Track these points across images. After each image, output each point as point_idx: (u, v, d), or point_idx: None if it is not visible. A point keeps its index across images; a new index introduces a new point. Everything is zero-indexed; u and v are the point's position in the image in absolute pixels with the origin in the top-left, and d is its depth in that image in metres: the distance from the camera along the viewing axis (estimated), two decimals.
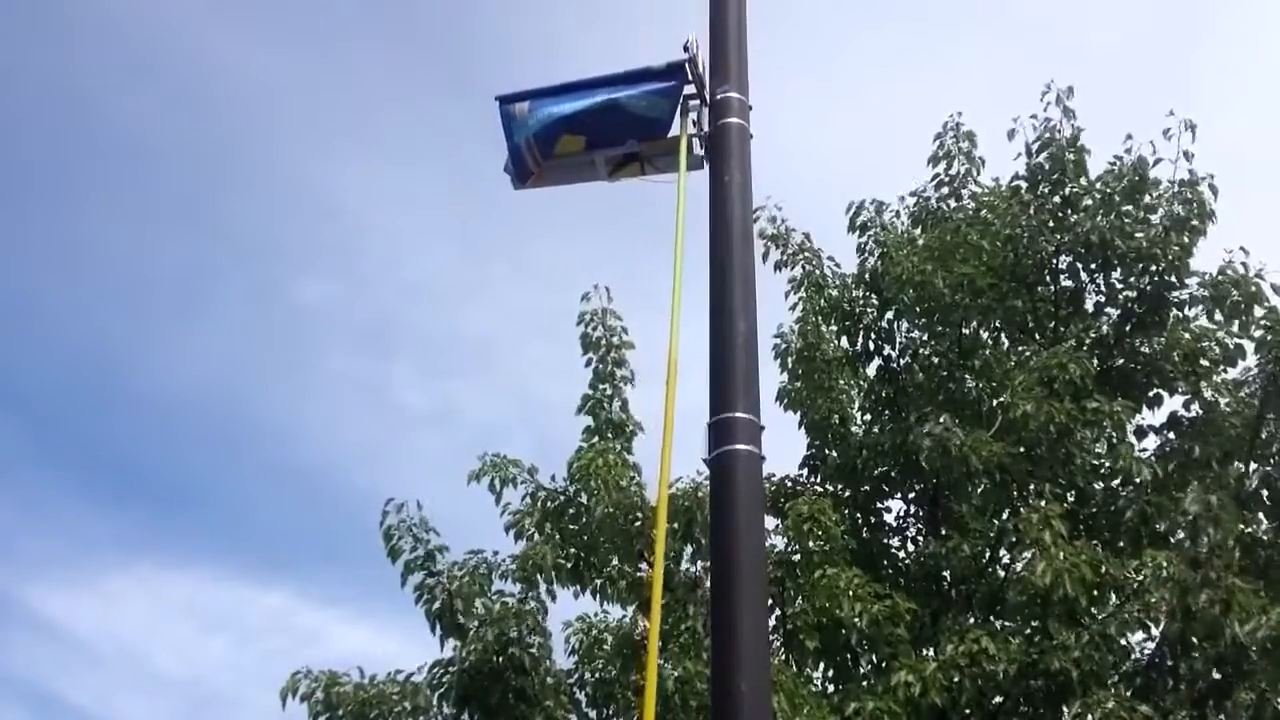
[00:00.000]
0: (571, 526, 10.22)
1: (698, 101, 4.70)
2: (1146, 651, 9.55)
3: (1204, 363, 10.74)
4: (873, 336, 11.62)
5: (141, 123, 31.32)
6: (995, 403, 10.70)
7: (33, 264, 31.63)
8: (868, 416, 11.47)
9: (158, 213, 32.13)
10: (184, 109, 31.09)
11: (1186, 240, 11.05)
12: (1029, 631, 9.13)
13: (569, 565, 10.12)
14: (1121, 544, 9.86)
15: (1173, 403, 10.94)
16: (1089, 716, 8.43)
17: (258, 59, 31.99)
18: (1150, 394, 10.98)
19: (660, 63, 4.73)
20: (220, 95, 31.65)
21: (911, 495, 11.14)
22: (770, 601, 9.13)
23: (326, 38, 31.73)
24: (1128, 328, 11.25)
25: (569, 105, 4.78)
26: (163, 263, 32.44)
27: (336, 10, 31.68)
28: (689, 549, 9.66)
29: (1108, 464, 10.30)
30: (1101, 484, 10.40)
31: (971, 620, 9.77)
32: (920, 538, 10.98)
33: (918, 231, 11.83)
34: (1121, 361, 11.18)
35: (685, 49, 4.72)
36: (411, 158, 33.20)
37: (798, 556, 9.56)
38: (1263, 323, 10.50)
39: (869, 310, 11.61)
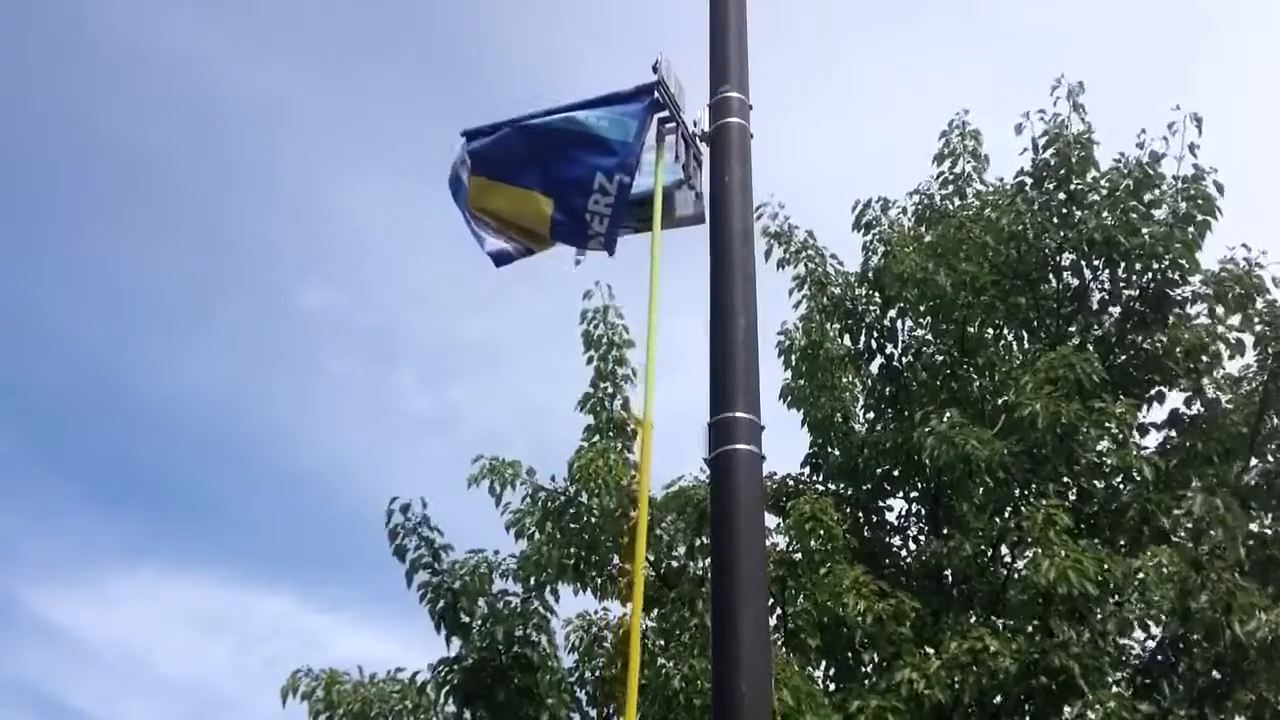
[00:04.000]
0: (573, 525, 10.21)
1: (674, 125, 4.46)
2: (1147, 650, 9.56)
3: (1205, 359, 10.75)
4: (875, 335, 11.61)
5: (147, 137, 31.49)
6: (1000, 401, 10.70)
7: (39, 275, 31.80)
8: (870, 415, 11.47)
9: (163, 224, 32.33)
10: (190, 123, 31.29)
11: (1191, 236, 11.04)
12: (1030, 630, 9.13)
13: (571, 564, 10.12)
14: (1122, 541, 9.86)
15: (1174, 399, 10.97)
16: (1089, 715, 8.43)
17: (262, 74, 32.19)
18: (1152, 391, 10.98)
19: (629, 86, 4.50)
20: (225, 109, 31.86)
21: (913, 494, 11.14)
22: (771, 600, 9.13)
23: (329, 53, 31.92)
24: (1129, 325, 11.24)
25: (528, 122, 4.54)
26: (167, 271, 32.60)
27: (339, 27, 31.85)
28: (697, 542, 9.67)
29: (1110, 462, 10.29)
30: (1103, 482, 10.39)
31: (973, 619, 9.77)
32: (921, 536, 10.98)
33: (922, 229, 11.82)
34: (1124, 359, 11.17)
35: (654, 69, 4.48)
36: (413, 168, 33.30)
37: (799, 555, 9.56)
38: (1264, 315, 10.51)
39: (872, 308, 11.60)
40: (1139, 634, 9.34)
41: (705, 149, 4.56)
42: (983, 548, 10.21)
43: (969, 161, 11.97)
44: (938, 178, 12.01)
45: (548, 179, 4.52)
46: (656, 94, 4.44)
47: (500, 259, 4.68)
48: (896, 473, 10.98)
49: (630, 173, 4.43)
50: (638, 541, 4.32)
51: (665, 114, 4.46)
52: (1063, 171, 11.59)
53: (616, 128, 4.44)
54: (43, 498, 32.43)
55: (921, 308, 11.32)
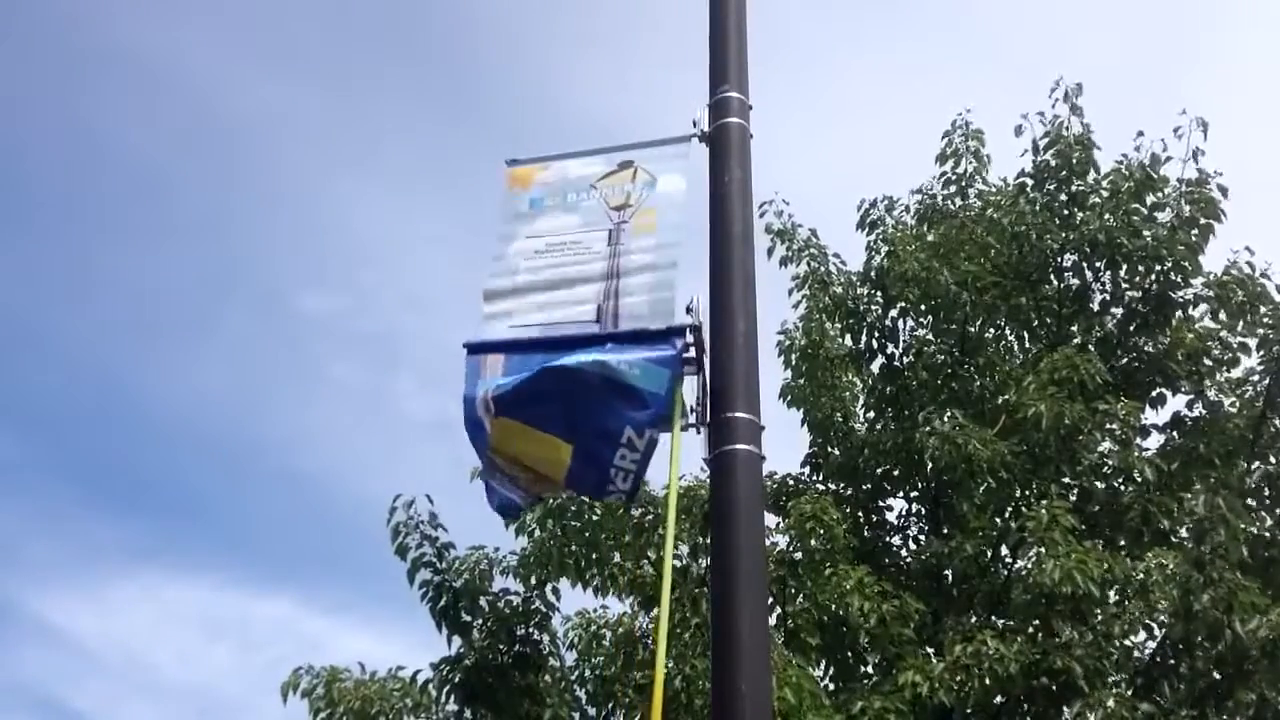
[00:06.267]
0: (574, 523, 10.20)
1: (695, 369, 4.15)
2: (1148, 651, 9.55)
3: (1207, 362, 10.75)
4: (876, 334, 11.59)
5: (151, 144, 31.57)
6: (1001, 401, 10.70)
7: (42, 280, 31.84)
8: (870, 415, 11.46)
9: (166, 230, 32.39)
10: (192, 131, 31.33)
11: (1194, 239, 11.04)
12: (1031, 630, 9.13)
13: (571, 562, 10.12)
14: (1123, 542, 9.87)
15: (1175, 401, 10.98)
16: (1090, 715, 8.43)
17: (264, 83, 32.24)
18: (1154, 393, 10.98)
19: (660, 324, 4.19)
20: (228, 117, 31.93)
21: (913, 494, 11.13)
22: (771, 600, 9.13)
23: (331, 61, 32.00)
24: (1132, 327, 11.24)
25: (551, 359, 4.18)
26: (170, 277, 32.64)
27: (341, 36, 31.93)
28: (699, 542, 9.66)
29: (1111, 463, 10.29)
30: (1104, 483, 10.40)
31: (974, 620, 9.77)
32: (922, 537, 10.98)
33: (925, 228, 11.82)
34: (1125, 360, 11.18)
35: (688, 310, 4.21)
36: (413, 175, 33.49)
37: (799, 555, 9.56)
38: (1266, 320, 10.51)
39: (873, 308, 11.58)
40: (1140, 634, 9.35)
41: (705, 149, 4.56)
42: (983, 548, 10.21)
43: (971, 162, 11.97)
44: (940, 177, 12.01)
45: (571, 425, 4.21)
46: (689, 336, 4.19)
47: (506, 511, 4.51)
48: (897, 473, 10.97)
49: (660, 429, 4.15)
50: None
51: (690, 354, 4.19)
52: (1063, 173, 11.60)
53: (649, 377, 4.12)
54: (45, 501, 32.45)
55: (923, 307, 11.31)
